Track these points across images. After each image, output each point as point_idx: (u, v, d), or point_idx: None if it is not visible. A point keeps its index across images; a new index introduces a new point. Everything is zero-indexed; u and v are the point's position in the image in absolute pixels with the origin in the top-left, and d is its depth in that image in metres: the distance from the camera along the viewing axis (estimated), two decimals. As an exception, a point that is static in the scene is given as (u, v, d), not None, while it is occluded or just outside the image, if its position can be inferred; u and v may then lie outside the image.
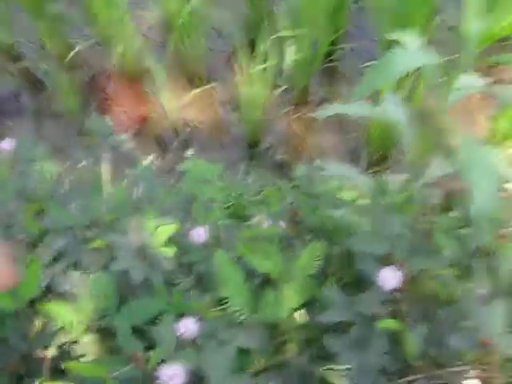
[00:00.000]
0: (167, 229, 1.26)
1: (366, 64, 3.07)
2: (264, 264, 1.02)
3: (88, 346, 1.11)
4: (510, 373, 0.95)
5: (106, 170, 1.56)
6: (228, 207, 2.25)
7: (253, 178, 2.50)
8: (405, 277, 0.97)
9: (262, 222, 1.29)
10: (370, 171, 2.73)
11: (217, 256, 1.05)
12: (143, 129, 3.07)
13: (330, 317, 0.96)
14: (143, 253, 1.22)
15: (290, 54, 2.54)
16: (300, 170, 2.32)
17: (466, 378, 0.89)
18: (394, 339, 0.96)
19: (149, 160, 2.39)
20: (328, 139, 2.99)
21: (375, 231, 1.03)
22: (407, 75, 2.53)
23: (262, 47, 2.55)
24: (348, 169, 1.38)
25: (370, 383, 0.92)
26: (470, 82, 1.13)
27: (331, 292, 0.98)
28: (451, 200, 1.08)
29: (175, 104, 3.07)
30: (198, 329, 1.01)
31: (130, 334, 1.03)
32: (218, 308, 1.05)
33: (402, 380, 0.92)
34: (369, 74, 0.98)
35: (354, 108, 1.14)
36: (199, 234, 1.24)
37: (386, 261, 1.01)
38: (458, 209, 1.05)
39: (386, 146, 2.73)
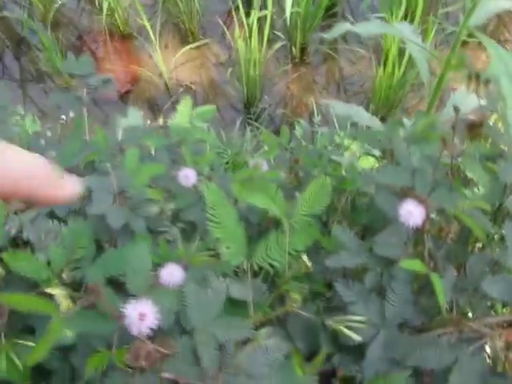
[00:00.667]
0: (151, 168, 1.11)
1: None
2: (264, 202, 0.87)
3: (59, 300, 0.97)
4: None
5: (85, 115, 1.40)
6: (226, 163, 2.11)
7: (250, 135, 2.35)
8: (430, 214, 0.81)
9: (259, 165, 1.14)
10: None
11: (208, 192, 0.90)
12: (135, 89, 2.90)
13: (340, 260, 0.80)
14: (123, 195, 1.07)
15: (289, 5, 2.36)
16: (301, 124, 2.18)
17: (503, 331, 0.74)
18: (418, 287, 0.81)
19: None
20: (329, 100, 2.83)
21: (394, 163, 0.88)
22: None
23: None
24: (356, 108, 1.22)
25: (390, 338, 0.77)
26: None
27: (342, 232, 0.83)
28: (479, 131, 0.93)
29: (168, 63, 2.90)
30: (183, 276, 0.87)
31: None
32: (209, 253, 0.89)
33: (429, 334, 0.77)
34: None
35: (368, 27, 0.98)
36: (187, 176, 1.08)
37: (407, 196, 0.86)
38: (489, 138, 0.90)
39: (391, 103, 2.58)
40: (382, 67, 2.49)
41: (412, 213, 0.77)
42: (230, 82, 2.81)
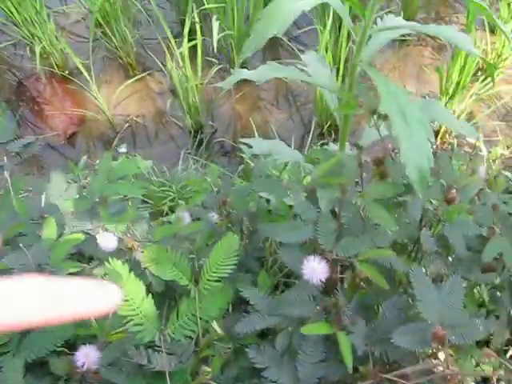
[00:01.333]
0: (70, 240, 1.08)
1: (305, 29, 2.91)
2: (169, 271, 0.85)
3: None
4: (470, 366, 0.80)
5: (9, 183, 1.37)
6: (168, 201, 2.08)
7: (195, 168, 2.32)
8: (335, 265, 0.80)
9: (181, 217, 1.11)
10: (319, 143, 2.56)
11: (111, 270, 0.87)
12: (81, 129, 2.87)
13: (248, 325, 0.78)
14: (43, 271, 1.04)
15: (215, 32, 2.34)
16: (244, 150, 2.16)
17: (419, 379, 0.73)
18: (332, 342, 0.79)
19: (82, 161, 2.20)
20: (276, 116, 2.82)
21: (297, 213, 0.86)
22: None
23: (189, 25, 2.36)
24: (275, 144, 1.20)
25: (305, 402, 0.75)
26: (393, 21, 0.96)
27: (251, 294, 0.81)
28: (385, 167, 0.91)
29: (111, 99, 2.87)
30: (99, 357, 0.84)
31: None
32: (122, 329, 0.87)
33: (347, 390, 0.75)
34: (258, 24, 0.81)
35: (261, 71, 0.96)
36: (107, 241, 1.06)
37: (312, 249, 0.84)
38: (393, 175, 0.88)
39: (334, 115, 2.56)
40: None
41: (315, 269, 0.76)
42: (173, 112, 2.79)
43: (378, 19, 1.00)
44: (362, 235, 0.83)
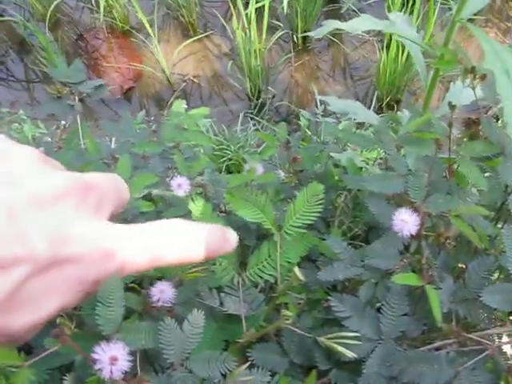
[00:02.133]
0: (143, 178, 1.08)
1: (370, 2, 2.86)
2: (253, 213, 0.84)
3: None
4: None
5: (79, 124, 1.37)
6: (226, 160, 2.08)
7: (253, 130, 2.31)
8: (425, 220, 0.78)
9: (254, 169, 1.10)
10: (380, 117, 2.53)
11: (193, 206, 0.87)
12: (138, 85, 2.87)
13: (331, 273, 0.77)
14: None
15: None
16: (304, 116, 2.14)
17: (505, 342, 0.71)
18: (416, 297, 0.78)
19: (140, 116, 2.21)
20: (334, 87, 2.79)
21: (387, 168, 0.84)
22: None
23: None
24: (352, 104, 1.18)
25: (386, 353, 0.73)
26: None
27: (334, 242, 0.80)
28: (476, 128, 0.89)
29: (170, 57, 2.87)
30: (174, 294, 0.84)
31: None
32: (200, 268, 0.87)
33: (428, 347, 0.74)
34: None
35: (355, 22, 0.94)
36: (180, 185, 1.05)
37: (401, 203, 0.82)
38: (488, 136, 0.86)
39: (396, 89, 2.53)
40: (385, 52, 2.44)
41: (406, 221, 0.74)
42: (232, 74, 2.77)
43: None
44: (448, 194, 0.82)
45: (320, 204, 0.87)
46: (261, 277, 0.86)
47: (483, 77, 0.85)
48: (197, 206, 0.87)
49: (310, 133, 2.27)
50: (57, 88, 1.30)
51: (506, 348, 0.71)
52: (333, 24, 0.98)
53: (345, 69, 2.87)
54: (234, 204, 0.89)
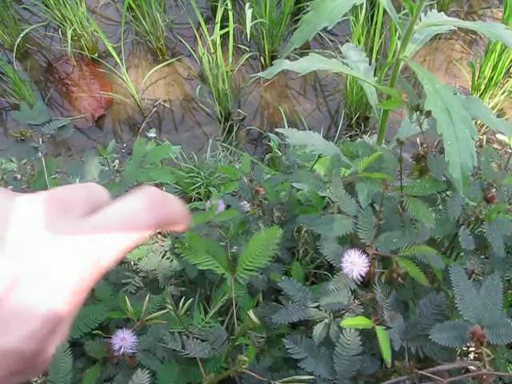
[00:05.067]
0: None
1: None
2: (205, 260, 0.85)
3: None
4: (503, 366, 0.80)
5: (43, 165, 1.38)
6: (197, 188, 2.09)
7: (223, 155, 2.33)
8: (375, 260, 0.80)
9: (215, 205, 1.12)
10: (348, 135, 2.56)
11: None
12: (109, 112, 2.88)
13: (285, 316, 0.79)
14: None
15: (249, 19, 2.33)
16: (273, 139, 2.16)
17: (455, 377, 0.73)
18: (371, 334, 0.79)
19: (111, 145, 2.21)
20: (304, 105, 2.81)
21: (337, 206, 0.86)
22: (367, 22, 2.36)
23: (221, 12, 2.36)
24: (311, 135, 1.20)
25: (341, 394, 0.75)
26: (437, 17, 0.95)
27: (288, 284, 0.82)
28: (426, 162, 0.91)
29: (139, 83, 2.88)
30: (135, 342, 0.85)
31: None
32: (164, 312, 0.88)
33: (382, 384, 0.75)
34: (308, 16, 0.81)
35: (304, 63, 0.96)
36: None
37: (354, 242, 0.84)
38: (434, 172, 0.88)
39: (364, 105, 2.56)
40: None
41: (355, 263, 0.76)
42: (201, 99, 2.79)
43: (422, 14, 1.00)
44: (399, 231, 0.84)
45: (273, 248, 0.89)
46: (218, 321, 0.88)
47: (428, 114, 0.87)
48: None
49: (280, 154, 2.29)
50: (20, 131, 1.30)
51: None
52: (282, 64, 1.01)
53: (314, 87, 2.90)
54: (185, 253, 0.91)
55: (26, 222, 0.37)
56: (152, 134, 2.39)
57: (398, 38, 0.91)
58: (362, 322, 0.72)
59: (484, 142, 2.49)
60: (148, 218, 0.41)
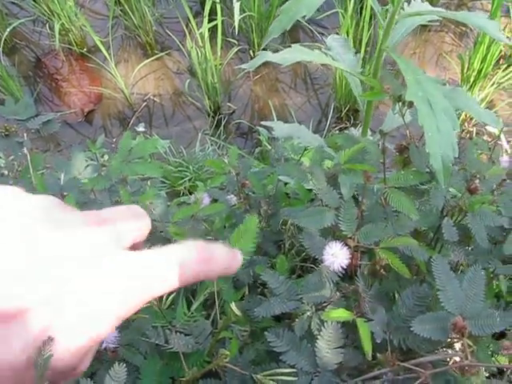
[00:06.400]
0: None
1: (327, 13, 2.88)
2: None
3: None
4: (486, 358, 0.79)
5: (29, 161, 1.37)
6: (186, 182, 2.09)
7: (212, 149, 2.32)
8: (358, 252, 0.80)
9: (200, 199, 1.11)
10: (337, 128, 2.55)
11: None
12: (99, 107, 2.87)
13: (268, 309, 0.79)
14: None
15: (237, 12, 2.32)
16: (262, 132, 2.16)
17: (437, 368, 0.72)
18: (354, 327, 0.79)
19: (100, 139, 2.20)
20: (294, 98, 2.81)
21: (319, 198, 0.86)
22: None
23: (209, 5, 2.34)
24: (297, 128, 1.19)
25: (323, 386, 0.75)
26: (420, 6, 0.95)
27: (270, 277, 0.81)
28: (409, 155, 0.90)
29: (129, 78, 2.87)
30: (117, 336, 0.85)
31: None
32: (147, 305, 0.87)
33: (365, 376, 0.75)
34: (286, 6, 0.80)
35: (286, 54, 0.96)
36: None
37: (334, 235, 0.84)
38: (416, 163, 0.87)
39: (354, 99, 2.55)
40: (340, 63, 2.46)
41: (336, 255, 0.76)
42: (191, 93, 2.78)
43: (405, 4, 0.99)
44: (382, 223, 0.83)
45: (255, 240, 0.88)
46: (201, 314, 0.88)
47: (410, 104, 0.87)
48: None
49: (270, 147, 2.29)
50: (4, 126, 1.29)
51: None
52: (265, 56, 1.00)
53: (304, 80, 2.89)
54: (178, 238, 0.91)
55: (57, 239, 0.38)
56: (141, 128, 2.38)
57: (380, 29, 0.90)
58: (343, 314, 0.72)
59: (474, 134, 2.49)
60: (196, 269, 0.42)
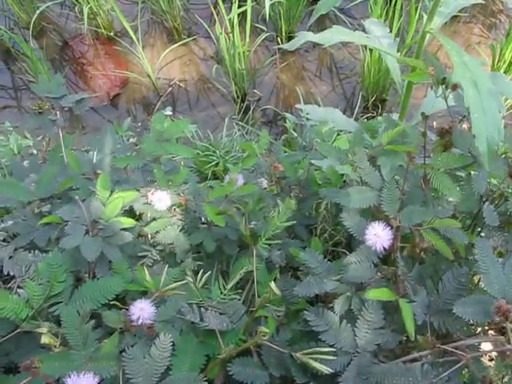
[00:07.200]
0: (123, 197, 1.09)
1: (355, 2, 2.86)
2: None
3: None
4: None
5: (61, 138, 1.37)
6: (213, 166, 2.09)
7: (239, 134, 2.32)
8: (399, 233, 0.79)
9: (234, 180, 1.11)
10: (364, 117, 2.53)
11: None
12: (124, 91, 2.87)
13: (307, 288, 0.78)
14: (96, 226, 1.05)
15: (270, -4, 2.30)
16: (289, 119, 2.14)
17: (478, 352, 0.72)
18: (393, 309, 0.79)
19: (126, 123, 2.21)
20: (320, 87, 2.79)
21: (361, 180, 0.85)
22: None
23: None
24: (332, 112, 1.19)
25: (362, 366, 0.74)
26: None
27: (309, 256, 0.81)
28: (450, 137, 0.89)
29: (155, 62, 2.87)
30: (154, 312, 0.85)
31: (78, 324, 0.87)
32: (183, 282, 0.87)
33: (404, 358, 0.75)
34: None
35: (328, 34, 0.95)
36: (160, 199, 1.06)
37: (375, 216, 0.83)
38: (459, 146, 0.86)
39: (381, 88, 2.54)
40: (368, 52, 2.44)
41: (379, 236, 0.75)
42: (217, 78, 2.77)
43: (448, -13, 0.98)
44: (423, 205, 0.83)
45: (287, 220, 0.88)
46: (241, 289, 0.88)
47: (454, 87, 0.86)
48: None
49: (296, 134, 2.28)
50: (38, 103, 1.29)
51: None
52: (306, 36, 0.99)
53: (330, 69, 2.88)
54: (213, 217, 0.91)
55: None
56: (168, 111, 2.38)
57: (424, 12, 0.89)
58: (386, 294, 0.72)
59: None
60: None
